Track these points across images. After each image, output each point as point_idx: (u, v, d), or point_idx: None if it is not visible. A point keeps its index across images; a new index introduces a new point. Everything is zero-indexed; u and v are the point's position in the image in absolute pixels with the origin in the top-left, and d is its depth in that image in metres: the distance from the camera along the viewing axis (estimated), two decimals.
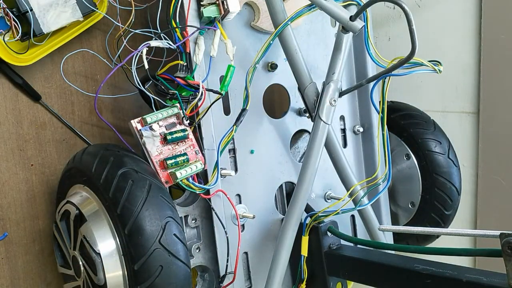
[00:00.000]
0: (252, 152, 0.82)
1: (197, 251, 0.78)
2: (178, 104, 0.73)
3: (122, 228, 0.65)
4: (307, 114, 0.86)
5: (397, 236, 0.97)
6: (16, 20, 0.72)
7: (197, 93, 0.72)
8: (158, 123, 0.72)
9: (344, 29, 0.74)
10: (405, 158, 0.94)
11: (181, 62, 0.73)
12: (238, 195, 0.81)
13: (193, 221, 0.78)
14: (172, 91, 0.72)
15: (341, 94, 0.78)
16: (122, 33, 0.82)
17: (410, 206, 0.95)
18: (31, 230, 0.85)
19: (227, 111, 0.80)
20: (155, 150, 0.71)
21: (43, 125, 0.85)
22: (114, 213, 0.66)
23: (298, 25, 0.86)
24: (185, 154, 0.73)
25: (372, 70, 0.93)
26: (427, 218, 0.93)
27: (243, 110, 0.74)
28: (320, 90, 0.78)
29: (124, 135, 0.84)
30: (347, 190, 0.83)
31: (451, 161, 0.91)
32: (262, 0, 0.79)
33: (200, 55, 0.73)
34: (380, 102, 0.76)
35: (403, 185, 0.96)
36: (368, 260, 0.75)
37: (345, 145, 0.95)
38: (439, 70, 0.75)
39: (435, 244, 0.96)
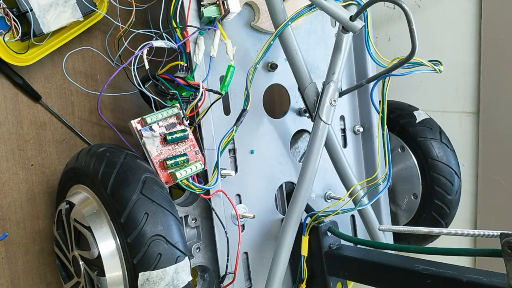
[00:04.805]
0: (252, 152, 0.82)
1: (197, 251, 0.78)
2: (178, 104, 0.73)
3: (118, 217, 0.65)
4: (307, 114, 0.86)
5: (397, 236, 0.97)
6: (16, 20, 0.72)
7: (197, 93, 0.72)
8: (158, 124, 0.72)
9: (344, 29, 0.73)
10: (400, 151, 0.95)
11: (181, 63, 0.73)
12: (238, 195, 0.81)
13: (193, 221, 0.78)
14: (172, 91, 0.72)
15: (341, 94, 0.78)
16: (122, 33, 0.82)
17: (413, 198, 0.95)
18: (31, 230, 0.85)
19: (227, 111, 0.80)
20: (155, 150, 0.71)
21: (43, 125, 0.85)
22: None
23: (298, 25, 0.86)
24: (185, 154, 0.73)
25: (372, 70, 0.93)
26: (432, 207, 0.92)
27: (244, 110, 0.74)
28: (320, 90, 0.78)
29: (124, 134, 0.84)
30: (347, 190, 0.83)
31: (444, 145, 0.91)
32: (262, 0, 0.79)
33: (200, 55, 0.73)
34: (380, 102, 0.76)
35: (404, 179, 0.96)
36: (368, 260, 0.75)
37: (345, 145, 0.95)
38: (439, 70, 0.75)
39: (435, 244, 0.96)
